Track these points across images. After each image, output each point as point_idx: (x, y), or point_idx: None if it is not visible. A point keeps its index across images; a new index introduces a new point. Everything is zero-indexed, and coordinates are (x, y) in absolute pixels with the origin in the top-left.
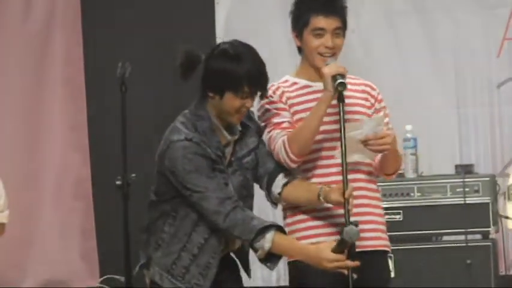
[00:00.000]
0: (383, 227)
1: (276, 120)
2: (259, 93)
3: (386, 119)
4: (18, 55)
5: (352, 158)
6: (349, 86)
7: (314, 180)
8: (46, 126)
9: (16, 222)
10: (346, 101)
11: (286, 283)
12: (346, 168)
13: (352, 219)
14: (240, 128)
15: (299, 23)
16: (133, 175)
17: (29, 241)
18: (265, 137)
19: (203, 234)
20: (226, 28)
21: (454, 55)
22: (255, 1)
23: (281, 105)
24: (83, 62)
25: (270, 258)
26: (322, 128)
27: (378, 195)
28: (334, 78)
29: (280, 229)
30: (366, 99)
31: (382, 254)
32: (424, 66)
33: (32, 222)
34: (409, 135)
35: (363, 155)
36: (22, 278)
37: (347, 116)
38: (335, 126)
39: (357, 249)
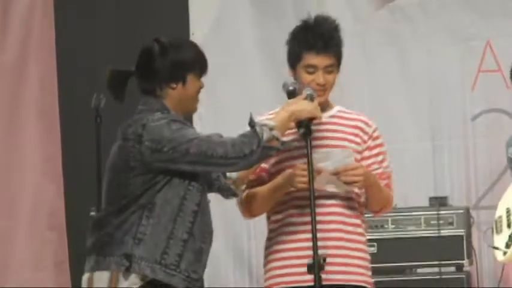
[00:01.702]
0: (359, 262)
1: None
2: None
3: (381, 157)
4: None
5: (325, 188)
6: (341, 121)
7: (292, 211)
8: (21, 156)
9: None
10: (335, 134)
11: None
12: (313, 199)
13: (323, 251)
14: None
15: (293, 57)
16: None
17: (2, 272)
18: None
19: (189, 218)
20: None
21: (429, 87)
22: (229, 34)
23: None
24: (57, 93)
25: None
26: (294, 162)
27: (358, 230)
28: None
29: None
30: (357, 135)
31: None
32: (398, 98)
33: (4, 254)
34: None
35: (336, 187)
36: None
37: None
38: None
39: (324, 282)
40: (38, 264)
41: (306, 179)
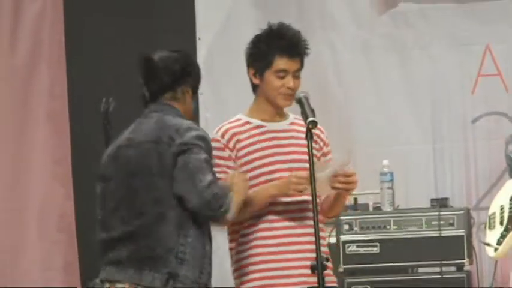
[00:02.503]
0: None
1: (215, 173)
2: None
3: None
4: (3, 89)
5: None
6: (300, 128)
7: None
8: (30, 159)
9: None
10: (297, 141)
11: None
12: (315, 206)
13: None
14: None
15: (261, 62)
16: None
17: (13, 274)
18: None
19: (208, 230)
20: (207, 64)
21: (430, 91)
22: (235, 38)
23: (226, 154)
24: (67, 97)
25: None
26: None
27: (324, 234)
28: (306, 117)
29: None
30: (315, 142)
31: None
32: (400, 102)
33: (15, 254)
34: (385, 170)
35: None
36: None
37: (294, 156)
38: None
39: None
40: (48, 264)
41: (301, 187)
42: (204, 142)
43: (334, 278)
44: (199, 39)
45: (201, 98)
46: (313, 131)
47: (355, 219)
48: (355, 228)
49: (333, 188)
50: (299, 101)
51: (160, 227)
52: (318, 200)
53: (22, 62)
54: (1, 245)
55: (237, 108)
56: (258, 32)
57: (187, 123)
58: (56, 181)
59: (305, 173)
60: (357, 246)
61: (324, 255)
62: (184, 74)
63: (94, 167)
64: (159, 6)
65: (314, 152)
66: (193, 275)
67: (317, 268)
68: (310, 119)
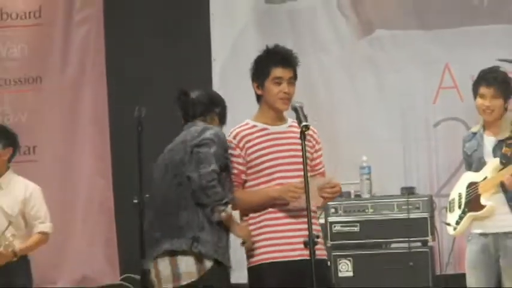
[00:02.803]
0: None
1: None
2: None
3: (322, 159)
4: (57, 98)
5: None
6: (296, 129)
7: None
8: (78, 157)
9: (55, 232)
10: (296, 140)
11: None
12: (308, 195)
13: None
14: None
15: (261, 74)
16: (147, 195)
17: (65, 248)
18: None
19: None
20: (221, 80)
21: (400, 99)
22: (243, 60)
23: (237, 152)
24: (108, 105)
25: None
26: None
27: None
28: (300, 121)
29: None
30: (309, 141)
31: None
32: (375, 108)
33: (67, 233)
34: (364, 164)
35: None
36: (58, 277)
37: (295, 153)
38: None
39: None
40: (92, 241)
41: (296, 196)
42: (218, 138)
43: (325, 252)
44: (214, 60)
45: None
46: (306, 132)
47: (340, 204)
48: (340, 212)
49: (321, 197)
50: (295, 109)
51: (188, 211)
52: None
53: (71, 77)
54: (57, 227)
55: (247, 116)
56: (259, 53)
57: (207, 126)
58: (98, 174)
59: (301, 184)
60: (341, 226)
61: (315, 233)
62: (212, 106)
63: (128, 163)
64: (180, 33)
65: (308, 148)
66: (212, 239)
67: (309, 243)
68: (304, 123)
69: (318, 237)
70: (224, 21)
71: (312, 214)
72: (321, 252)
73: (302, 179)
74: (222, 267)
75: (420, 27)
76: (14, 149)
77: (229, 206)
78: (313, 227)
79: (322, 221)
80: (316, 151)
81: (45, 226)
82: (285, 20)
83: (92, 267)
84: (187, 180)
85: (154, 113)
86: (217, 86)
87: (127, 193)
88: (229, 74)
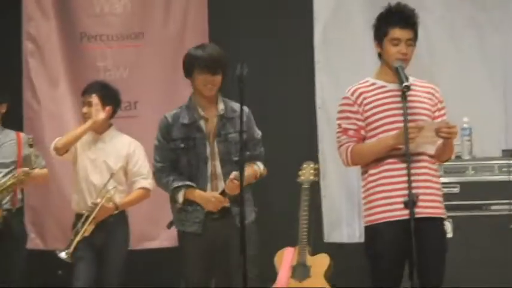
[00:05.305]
0: (440, 199)
1: (345, 125)
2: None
3: (446, 116)
4: (158, 54)
5: (422, 147)
6: (417, 88)
7: (386, 167)
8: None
9: (156, 189)
10: (415, 98)
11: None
12: (408, 149)
13: (415, 191)
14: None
15: (380, 33)
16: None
17: (165, 205)
18: (335, 133)
19: None
20: (322, 38)
21: (502, 62)
22: (347, 16)
23: (354, 108)
24: None
25: None
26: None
27: (437, 173)
28: (401, 82)
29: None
30: (430, 99)
31: (439, 220)
32: (477, 71)
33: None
34: (465, 125)
35: (428, 147)
36: (157, 235)
37: (414, 110)
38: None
39: (417, 216)
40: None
41: (412, 135)
42: (158, 127)
43: (440, 210)
44: (316, 18)
45: (318, 66)
46: (429, 89)
47: (440, 165)
48: (440, 172)
49: (439, 136)
50: (396, 70)
51: None
52: (432, 152)
53: (174, 32)
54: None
55: (345, 73)
56: (365, 10)
57: None
58: None
59: (414, 124)
60: (442, 187)
61: (420, 191)
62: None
63: None
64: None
65: (429, 106)
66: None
67: (409, 203)
68: (405, 83)
69: (417, 197)
70: None
71: (429, 165)
72: (435, 211)
73: (418, 122)
74: None
75: None
76: (115, 106)
77: None
78: (431, 184)
79: None
80: (438, 110)
81: (148, 182)
82: None
83: None
84: None
85: (255, 70)
86: (318, 44)
87: None
88: (331, 32)
